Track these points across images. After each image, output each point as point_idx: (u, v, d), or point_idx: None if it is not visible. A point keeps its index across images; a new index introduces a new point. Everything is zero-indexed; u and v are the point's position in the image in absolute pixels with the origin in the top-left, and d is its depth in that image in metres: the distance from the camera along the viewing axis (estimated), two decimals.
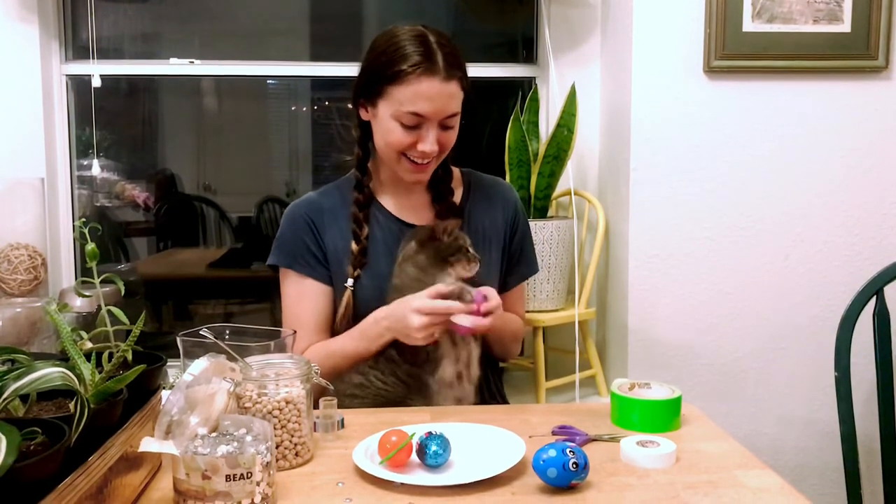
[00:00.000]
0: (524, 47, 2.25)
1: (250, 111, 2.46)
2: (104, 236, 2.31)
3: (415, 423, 1.15)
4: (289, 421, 1.06)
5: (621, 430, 1.19)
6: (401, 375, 1.35)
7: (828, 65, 1.87)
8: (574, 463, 0.96)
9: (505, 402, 1.59)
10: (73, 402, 0.88)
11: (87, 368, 0.89)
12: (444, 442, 1.02)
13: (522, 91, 2.14)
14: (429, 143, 1.37)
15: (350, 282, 1.44)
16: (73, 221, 2.10)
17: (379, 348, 1.37)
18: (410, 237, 1.39)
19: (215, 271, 2.43)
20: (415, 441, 1.02)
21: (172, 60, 2.15)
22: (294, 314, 1.48)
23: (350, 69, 1.56)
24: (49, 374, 0.80)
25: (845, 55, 1.87)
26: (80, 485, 0.76)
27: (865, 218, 1.93)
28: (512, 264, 1.56)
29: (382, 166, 1.51)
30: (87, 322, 1.41)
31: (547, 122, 2.13)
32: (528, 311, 1.83)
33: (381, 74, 1.37)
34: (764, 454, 1.20)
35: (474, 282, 1.36)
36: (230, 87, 2.42)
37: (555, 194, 2.00)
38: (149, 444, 0.88)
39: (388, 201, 1.52)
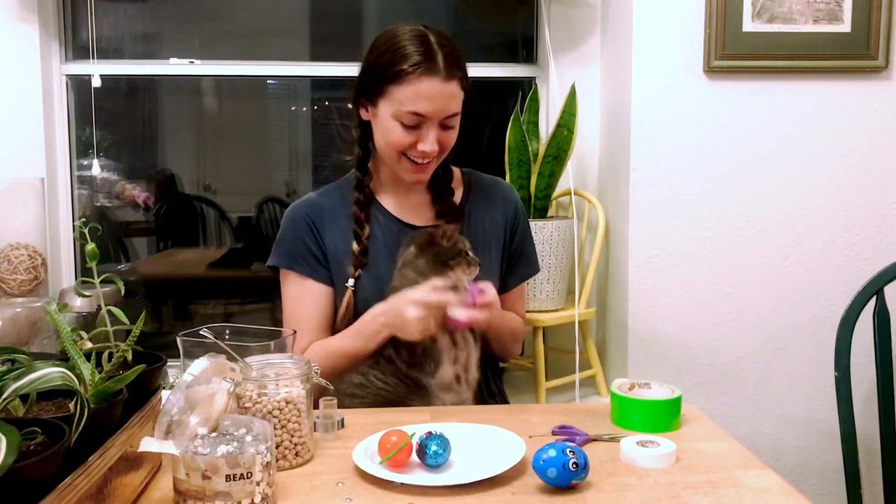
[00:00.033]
0: (524, 47, 2.25)
1: (250, 111, 2.46)
2: (104, 236, 2.31)
3: (415, 423, 1.15)
4: (289, 421, 1.06)
5: (621, 430, 1.19)
6: (401, 376, 1.35)
7: (828, 65, 1.87)
8: (574, 463, 0.96)
9: (505, 401, 1.59)
10: (73, 402, 0.88)
11: (87, 368, 0.89)
12: (444, 442, 1.02)
13: (522, 91, 2.14)
14: (429, 143, 1.37)
15: (351, 282, 1.45)
16: (73, 221, 2.10)
17: (377, 345, 1.36)
18: (409, 241, 1.39)
19: (215, 271, 2.43)
20: (415, 441, 1.02)
21: (172, 60, 2.15)
22: (295, 315, 1.48)
23: (350, 69, 1.56)
24: (49, 374, 0.80)
25: (845, 55, 1.87)
26: (80, 485, 0.76)
27: (865, 218, 1.93)
28: (512, 264, 1.56)
29: (382, 166, 1.51)
30: (87, 322, 1.41)
31: (547, 122, 2.13)
32: (528, 311, 1.83)
33: (381, 74, 1.37)
34: (764, 454, 1.20)
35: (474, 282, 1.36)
36: (230, 87, 2.42)
37: (555, 194, 2.00)
38: (149, 444, 0.88)
39: (388, 201, 1.52)
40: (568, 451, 0.97)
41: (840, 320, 1.59)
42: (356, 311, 1.44)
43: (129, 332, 0.97)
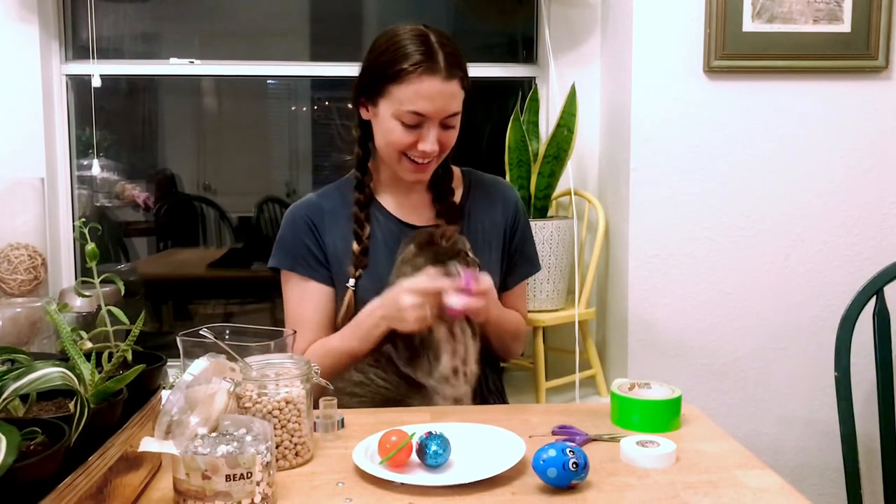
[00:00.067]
0: (524, 47, 2.25)
1: (250, 111, 2.46)
2: (104, 236, 2.31)
3: (415, 423, 1.15)
4: (289, 421, 1.06)
5: (621, 430, 1.19)
6: (399, 373, 1.35)
7: (828, 65, 1.87)
8: (574, 463, 0.96)
9: (504, 400, 1.59)
10: (73, 402, 0.88)
11: (87, 368, 0.89)
12: (444, 442, 1.02)
13: (522, 91, 2.14)
14: (429, 143, 1.37)
15: (351, 282, 1.45)
16: (73, 221, 2.10)
17: (376, 340, 1.36)
18: (409, 241, 1.39)
19: (215, 271, 2.43)
20: (415, 441, 1.02)
21: (172, 60, 2.15)
22: (296, 316, 1.48)
23: (350, 69, 1.56)
24: (49, 374, 0.80)
25: (845, 55, 1.87)
26: (80, 485, 0.76)
27: (865, 218, 1.93)
28: (512, 263, 1.56)
29: (382, 166, 1.51)
30: (87, 322, 1.41)
31: (547, 122, 2.13)
32: (528, 311, 1.83)
33: (382, 73, 1.37)
34: (764, 454, 1.20)
35: None
36: (230, 87, 2.42)
37: (555, 194, 2.00)
38: (149, 444, 0.88)
39: (388, 201, 1.52)
40: (568, 451, 0.97)
41: (840, 320, 1.59)
42: (357, 312, 1.43)
43: (129, 332, 0.97)
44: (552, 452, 0.97)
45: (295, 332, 1.26)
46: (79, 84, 2.10)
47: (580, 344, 1.93)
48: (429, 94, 1.34)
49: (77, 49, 2.10)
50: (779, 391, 1.96)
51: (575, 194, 2.02)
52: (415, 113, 1.35)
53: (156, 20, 2.26)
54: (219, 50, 2.27)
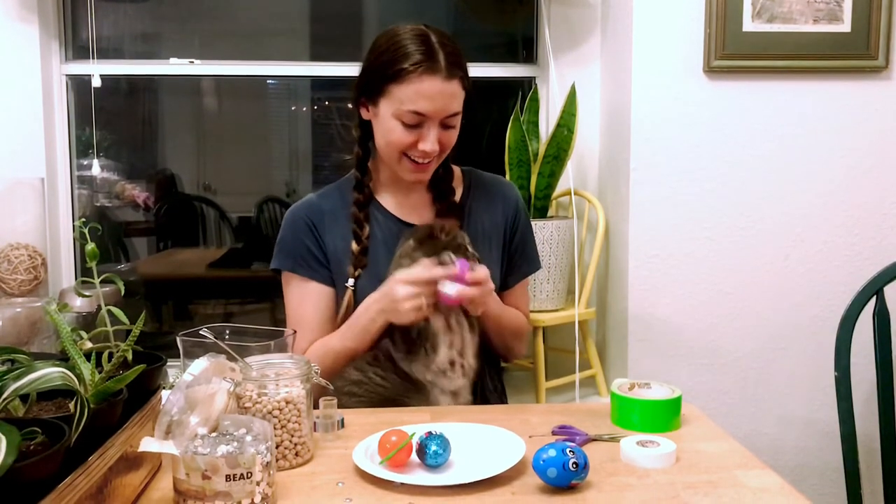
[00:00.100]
0: (524, 47, 2.25)
1: (250, 111, 2.46)
2: (104, 236, 2.31)
3: (415, 423, 1.15)
4: (289, 421, 1.06)
5: (621, 430, 1.19)
6: (398, 372, 1.35)
7: (828, 65, 1.87)
8: (574, 463, 0.96)
9: (505, 399, 1.59)
10: (73, 402, 0.88)
11: (87, 368, 0.89)
12: (444, 442, 1.02)
13: (522, 91, 2.14)
14: (430, 143, 1.37)
15: (350, 282, 1.45)
16: (73, 221, 2.10)
17: (375, 336, 1.36)
18: (409, 235, 1.40)
19: (215, 271, 2.43)
20: (415, 441, 1.02)
21: (172, 60, 2.15)
22: (298, 316, 1.48)
23: (350, 69, 1.56)
24: (49, 374, 0.80)
25: (845, 55, 1.87)
26: (80, 485, 0.76)
27: (865, 218, 1.93)
28: (513, 262, 1.56)
29: (382, 166, 1.51)
30: (87, 322, 1.41)
31: (547, 122, 2.13)
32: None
33: (382, 73, 1.37)
34: (764, 454, 1.20)
35: None
36: (230, 87, 2.42)
37: (555, 194, 2.00)
38: (149, 444, 0.88)
39: (388, 201, 1.52)
40: (568, 451, 0.97)
41: (840, 320, 1.59)
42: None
43: (129, 332, 0.97)
44: (552, 452, 0.97)
45: (295, 331, 1.26)
46: (79, 84, 2.10)
47: (580, 344, 1.93)
48: (429, 94, 1.34)
49: (77, 49, 2.11)
50: (779, 391, 1.96)
51: (575, 194, 2.02)
52: (415, 113, 1.35)
53: (156, 20, 2.26)
54: (219, 50, 2.27)
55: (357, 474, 1.03)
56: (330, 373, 1.36)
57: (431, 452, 1.01)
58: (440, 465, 1.02)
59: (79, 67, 2.07)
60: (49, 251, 1.96)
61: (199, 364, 0.98)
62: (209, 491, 0.87)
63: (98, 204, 2.27)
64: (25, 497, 0.67)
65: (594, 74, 2.11)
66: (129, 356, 0.98)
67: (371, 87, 1.40)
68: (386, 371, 1.35)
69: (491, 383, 1.54)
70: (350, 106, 1.51)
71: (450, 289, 1.26)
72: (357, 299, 1.43)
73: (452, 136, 1.42)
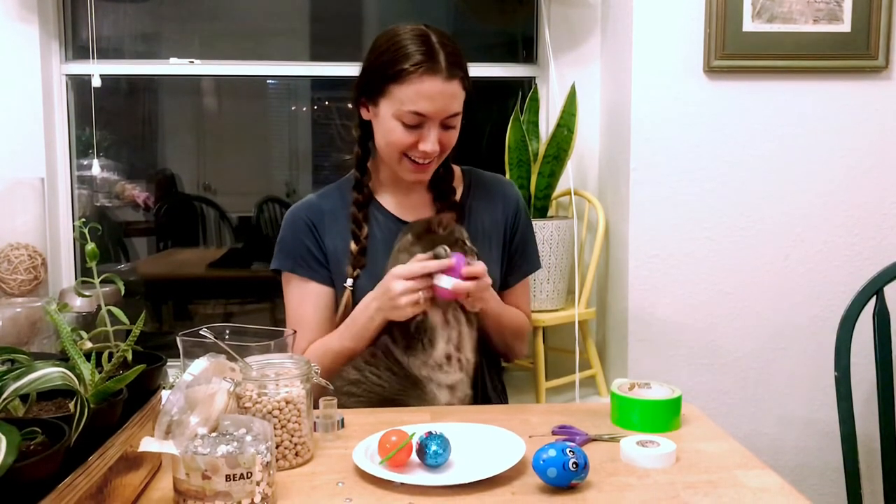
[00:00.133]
0: (524, 47, 2.25)
1: (250, 111, 2.46)
2: (104, 236, 2.31)
3: (415, 423, 1.15)
4: (289, 421, 1.06)
5: (621, 430, 1.19)
6: (395, 369, 1.34)
7: (828, 65, 1.87)
8: (574, 463, 0.96)
9: (505, 396, 1.59)
10: (73, 402, 0.88)
11: (87, 368, 0.89)
12: (444, 442, 1.02)
13: (522, 91, 2.14)
14: (430, 143, 1.37)
15: (349, 282, 1.45)
16: (73, 221, 2.10)
17: (373, 335, 1.36)
18: (406, 230, 1.40)
19: (215, 271, 2.43)
20: (415, 441, 1.02)
21: (172, 60, 2.15)
22: (298, 316, 1.48)
23: (350, 69, 1.56)
24: (49, 374, 0.80)
25: (845, 55, 1.87)
26: (80, 485, 0.76)
27: (865, 218, 1.93)
28: (513, 261, 1.56)
29: (382, 165, 1.51)
30: (87, 322, 1.41)
31: (547, 122, 2.13)
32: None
33: (382, 73, 1.37)
34: (764, 454, 1.20)
35: None
36: (230, 87, 2.42)
37: (555, 194, 2.00)
38: (149, 444, 0.88)
39: (388, 201, 1.52)
40: (568, 450, 0.97)
41: (840, 320, 1.59)
42: None
43: (129, 332, 0.97)
44: (552, 452, 0.97)
45: (295, 331, 1.26)
46: (79, 84, 2.10)
47: (580, 344, 1.93)
48: (430, 95, 1.34)
49: (77, 49, 2.11)
50: (779, 391, 1.96)
51: (575, 194, 2.02)
52: (415, 113, 1.35)
53: (156, 20, 2.26)
54: (219, 50, 2.27)
55: (357, 474, 1.03)
56: (329, 373, 1.36)
57: (431, 452, 1.01)
58: (440, 465, 1.02)
59: (79, 67, 2.07)
60: (49, 251, 1.96)
61: (199, 364, 0.98)
62: (209, 491, 0.87)
63: (98, 204, 2.27)
64: (25, 497, 0.67)
65: (594, 74, 2.11)
66: (129, 356, 0.98)
67: (371, 87, 1.40)
68: (380, 369, 1.35)
69: (491, 383, 1.54)
70: (350, 106, 1.51)
71: (445, 282, 1.26)
72: (356, 299, 1.43)
73: (453, 136, 1.42)
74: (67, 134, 2.09)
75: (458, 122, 1.41)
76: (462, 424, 1.16)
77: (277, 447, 1.04)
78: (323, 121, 2.46)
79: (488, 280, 1.33)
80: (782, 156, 1.91)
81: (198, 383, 0.96)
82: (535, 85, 2.16)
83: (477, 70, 2.06)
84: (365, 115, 1.46)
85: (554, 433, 1.18)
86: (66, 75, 2.08)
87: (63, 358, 0.91)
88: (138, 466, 0.96)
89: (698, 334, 1.94)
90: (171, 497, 0.93)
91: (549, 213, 2.00)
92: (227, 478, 0.87)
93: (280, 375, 1.08)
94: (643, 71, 1.87)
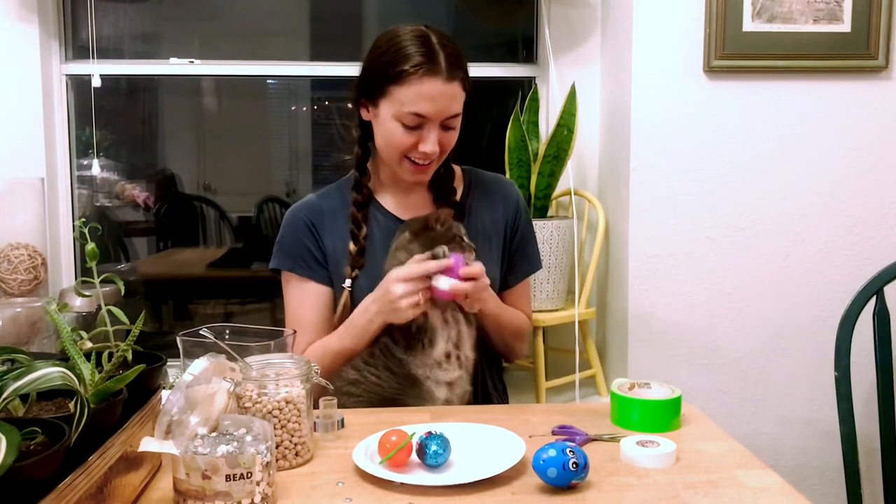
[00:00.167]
0: (524, 47, 2.25)
1: (250, 111, 2.47)
2: (104, 236, 2.31)
3: (415, 423, 1.15)
4: (289, 421, 1.06)
5: (621, 430, 1.19)
6: (395, 369, 1.34)
7: (828, 65, 1.87)
8: (574, 463, 0.96)
9: (506, 396, 1.59)
10: (73, 402, 0.88)
11: (87, 368, 0.89)
12: (444, 442, 1.02)
13: (522, 91, 2.14)
14: (430, 144, 1.37)
15: (348, 282, 1.44)
16: (73, 221, 2.10)
17: (372, 336, 1.36)
18: (404, 228, 1.40)
19: (215, 271, 2.43)
20: (415, 441, 1.02)
21: (172, 60, 2.15)
22: (297, 316, 1.48)
23: (350, 69, 1.56)
24: (49, 374, 0.80)
25: (845, 55, 1.87)
26: (80, 485, 0.76)
27: (865, 218, 1.93)
28: (514, 261, 1.56)
29: (382, 166, 1.51)
30: (87, 322, 1.41)
31: (547, 122, 2.13)
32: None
33: (382, 74, 1.37)
34: (764, 454, 1.20)
35: None
36: (230, 87, 2.42)
37: (555, 194, 2.00)
38: (149, 444, 0.88)
39: (387, 201, 1.52)
40: (568, 450, 0.97)
41: (840, 320, 1.59)
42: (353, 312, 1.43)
43: (129, 332, 0.97)
44: (552, 452, 0.97)
45: (295, 332, 1.26)
46: (79, 84, 2.10)
47: (580, 344, 1.93)
48: (430, 96, 1.34)
49: (77, 49, 2.11)
50: (779, 391, 1.96)
51: (575, 194, 2.02)
52: (416, 114, 1.35)
53: (156, 20, 2.27)
54: (219, 50, 2.27)
55: (357, 474, 1.03)
56: (329, 373, 1.36)
57: (431, 452, 1.01)
58: (440, 465, 1.02)
59: (79, 67, 2.07)
60: (49, 251, 1.96)
61: (199, 364, 0.98)
62: (209, 491, 0.87)
63: (98, 204, 2.27)
64: (25, 497, 0.67)
65: (594, 74, 2.11)
66: (129, 356, 0.98)
67: (371, 87, 1.40)
68: (379, 368, 1.35)
69: (492, 382, 1.54)
70: (350, 106, 1.51)
71: (443, 283, 1.26)
72: (355, 299, 1.43)
73: (453, 137, 1.42)
74: (67, 134, 2.09)
75: (458, 122, 1.41)
76: (462, 424, 1.16)
77: (277, 447, 1.04)
78: (323, 121, 2.46)
79: (486, 280, 1.33)
80: (782, 156, 1.91)
81: (198, 383, 0.96)
82: (535, 85, 2.16)
83: (477, 70, 2.06)
84: (365, 115, 1.46)
85: (554, 433, 1.18)
86: (66, 75, 2.08)
87: (63, 358, 0.91)
88: (138, 466, 0.96)
89: (698, 334, 1.94)
90: (171, 497, 0.93)
91: (549, 213, 2.00)
92: (227, 478, 0.87)
93: (280, 375, 1.08)
94: (643, 71, 1.87)
